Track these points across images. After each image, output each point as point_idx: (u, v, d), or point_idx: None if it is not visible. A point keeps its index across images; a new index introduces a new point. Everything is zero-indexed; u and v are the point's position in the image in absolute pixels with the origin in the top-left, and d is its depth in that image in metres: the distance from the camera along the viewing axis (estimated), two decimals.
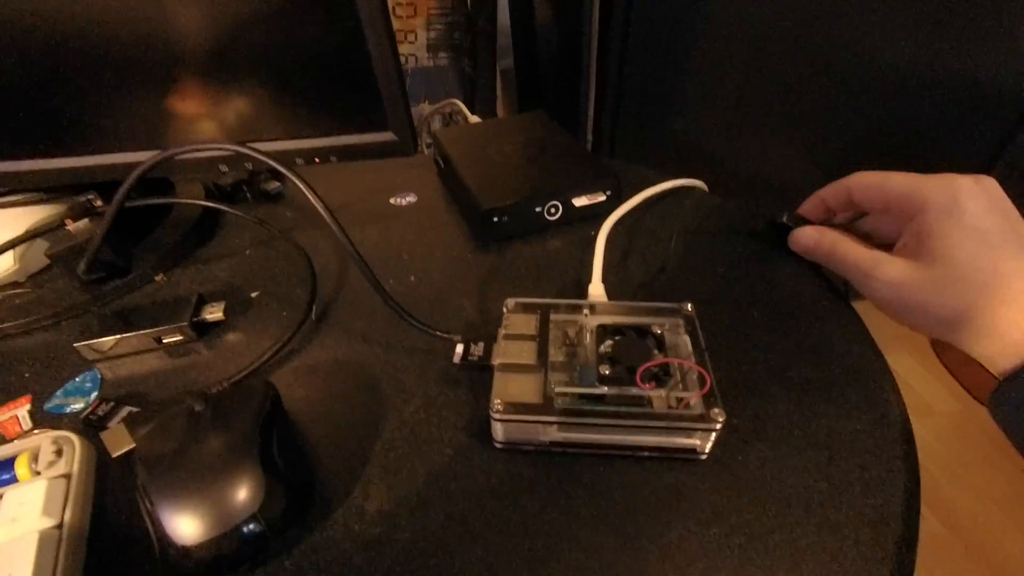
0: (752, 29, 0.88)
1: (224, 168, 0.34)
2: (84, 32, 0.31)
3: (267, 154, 0.26)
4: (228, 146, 0.27)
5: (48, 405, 0.29)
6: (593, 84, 1.04)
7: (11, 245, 0.35)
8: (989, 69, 0.83)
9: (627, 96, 1.05)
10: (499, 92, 1.34)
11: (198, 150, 0.28)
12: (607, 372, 0.24)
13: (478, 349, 0.27)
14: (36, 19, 0.30)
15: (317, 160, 0.34)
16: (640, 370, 0.23)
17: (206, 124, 0.35)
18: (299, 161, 0.35)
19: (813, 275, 0.35)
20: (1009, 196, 0.27)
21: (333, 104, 0.33)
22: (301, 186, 0.26)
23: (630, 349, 0.25)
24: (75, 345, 0.31)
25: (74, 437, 0.23)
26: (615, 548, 0.22)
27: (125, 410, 0.28)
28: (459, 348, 0.28)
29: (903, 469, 0.24)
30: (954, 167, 0.27)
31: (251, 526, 0.20)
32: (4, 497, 0.20)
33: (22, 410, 0.29)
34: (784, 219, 0.36)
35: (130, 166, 0.32)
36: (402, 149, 0.34)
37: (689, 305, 0.27)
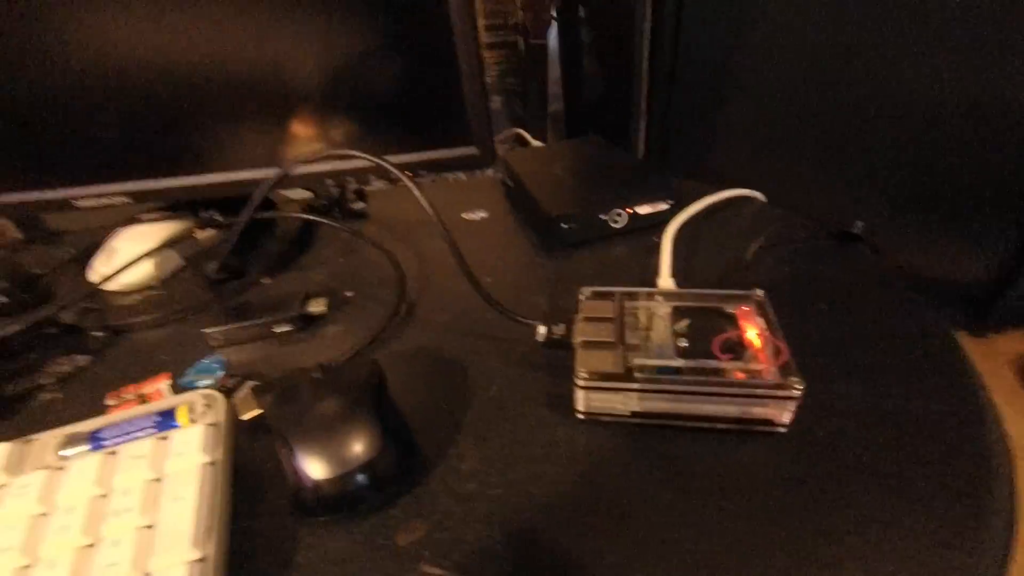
0: (793, 67, 0.91)
1: (330, 182, 0.39)
2: (212, 71, 0.37)
3: (396, 165, 0.30)
4: (368, 156, 0.31)
5: (182, 380, 0.34)
6: (644, 122, 1.09)
7: (155, 252, 0.41)
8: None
9: (676, 133, 1.09)
10: (549, 133, 1.41)
11: (339, 157, 0.32)
12: (684, 345, 0.26)
13: (559, 329, 0.30)
14: (176, 62, 0.37)
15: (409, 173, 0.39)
16: (718, 340, 0.25)
17: (314, 145, 0.40)
18: (392, 175, 0.39)
19: (881, 272, 0.35)
20: None
21: (425, 124, 0.38)
22: (416, 194, 0.31)
23: (706, 324, 0.27)
24: (203, 331, 0.36)
25: (219, 395, 0.27)
26: (694, 511, 0.23)
27: (249, 384, 0.32)
28: (541, 329, 0.30)
29: (989, 442, 0.24)
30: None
31: (369, 470, 0.23)
32: (170, 438, 0.24)
33: (163, 384, 0.33)
34: (856, 229, 0.38)
35: (251, 182, 0.38)
36: (484, 162, 0.39)
37: (760, 291, 0.29)
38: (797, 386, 0.24)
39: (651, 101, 1.05)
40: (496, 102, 1.36)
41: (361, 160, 0.33)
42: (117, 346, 0.37)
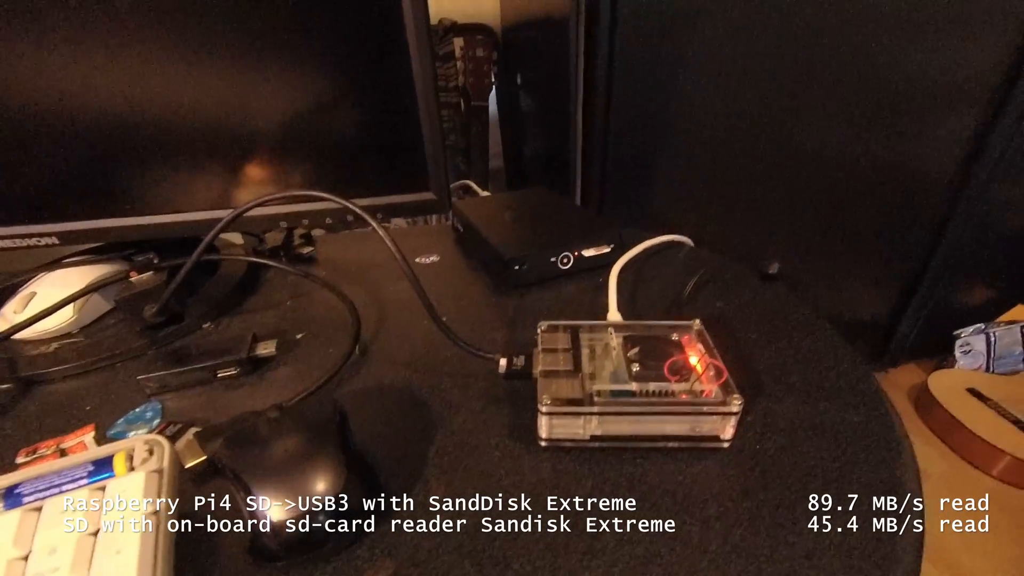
0: (717, 129, 1.03)
1: (283, 224, 0.39)
2: (168, 113, 0.37)
3: (363, 208, 0.31)
4: (335, 199, 0.32)
5: (111, 431, 0.31)
6: (579, 179, 1.17)
7: (81, 295, 0.38)
8: (916, 160, 0.99)
9: (610, 187, 1.18)
10: (491, 188, 1.48)
11: (304, 199, 0.32)
12: (636, 369, 0.28)
13: (520, 360, 0.31)
14: (127, 103, 0.36)
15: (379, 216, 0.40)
16: (667, 363, 0.27)
17: (270, 188, 0.40)
18: (349, 218, 0.40)
19: (796, 305, 0.40)
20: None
21: (384, 170, 0.39)
22: (381, 234, 0.32)
23: (654, 351, 0.29)
24: (138, 378, 0.33)
25: (163, 440, 0.25)
26: (660, 522, 0.24)
27: (193, 430, 0.30)
28: (503, 361, 0.31)
29: (902, 449, 0.27)
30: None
31: (335, 506, 0.22)
32: (107, 487, 0.22)
33: (87, 436, 0.30)
34: (772, 270, 0.43)
35: (202, 223, 0.37)
36: (441, 207, 0.40)
37: (698, 321, 0.32)
38: (737, 402, 0.26)
39: (586, 161, 1.14)
40: None
41: (324, 203, 0.34)
42: (30, 399, 0.34)
